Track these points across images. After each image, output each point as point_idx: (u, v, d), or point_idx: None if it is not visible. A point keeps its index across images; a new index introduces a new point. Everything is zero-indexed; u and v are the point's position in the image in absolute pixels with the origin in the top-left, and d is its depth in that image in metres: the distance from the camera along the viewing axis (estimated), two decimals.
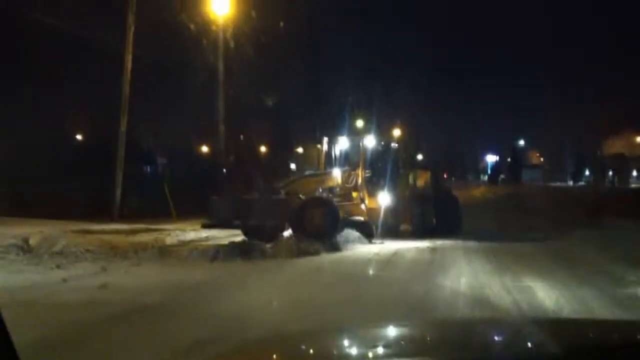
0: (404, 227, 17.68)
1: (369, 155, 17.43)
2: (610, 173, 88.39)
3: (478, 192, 49.15)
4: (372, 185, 16.99)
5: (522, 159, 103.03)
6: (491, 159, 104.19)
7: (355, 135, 18.93)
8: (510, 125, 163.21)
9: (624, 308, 7.54)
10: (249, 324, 6.46)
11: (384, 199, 16.74)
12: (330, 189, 16.70)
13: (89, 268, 10.44)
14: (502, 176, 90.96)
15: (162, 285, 9.06)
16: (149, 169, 40.92)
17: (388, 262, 11.78)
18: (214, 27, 23.26)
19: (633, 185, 63.25)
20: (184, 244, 14.29)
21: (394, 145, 18.66)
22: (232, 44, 24.33)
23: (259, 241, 13.23)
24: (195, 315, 6.99)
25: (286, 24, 27.60)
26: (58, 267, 10.54)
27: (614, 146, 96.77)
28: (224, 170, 26.93)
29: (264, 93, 35.60)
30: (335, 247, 13.60)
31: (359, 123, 38.44)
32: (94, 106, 30.68)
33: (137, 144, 30.55)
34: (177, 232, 16.19)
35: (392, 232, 16.60)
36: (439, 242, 15.04)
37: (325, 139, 18.44)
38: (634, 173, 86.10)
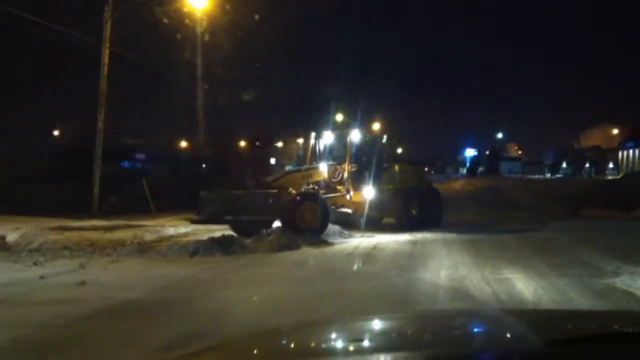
0: (387, 220, 17.86)
1: (354, 149, 17.58)
2: (587, 165, 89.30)
3: (457, 185, 49.31)
4: (357, 179, 17.16)
5: (500, 152, 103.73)
6: (470, 152, 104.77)
7: (341, 129, 18.91)
8: (489, 118, 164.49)
9: (601, 298, 7.62)
10: (230, 319, 6.44)
11: (369, 192, 16.91)
12: (318, 183, 16.75)
13: (67, 265, 10.33)
14: (481, 169, 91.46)
15: (141, 281, 8.99)
16: (127, 166, 40.68)
17: (369, 256, 11.78)
18: (191, 23, 23.15)
19: (609, 177, 63.87)
20: (163, 239, 14.20)
21: (378, 139, 18.80)
22: (210, 40, 24.21)
23: (247, 237, 13.25)
24: (176, 311, 6.95)
25: (267, 19, 27.56)
26: (36, 264, 10.44)
27: (591, 139, 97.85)
28: (204, 165, 26.87)
29: (242, 88, 35.48)
30: (319, 241, 13.63)
31: (341, 118, 38.51)
32: (74, 104, 30.49)
33: (115, 141, 30.33)
34: (157, 227, 16.07)
35: (376, 225, 16.80)
36: (420, 235, 15.14)
37: (313, 134, 18.54)
38: (610, 165, 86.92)
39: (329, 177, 17.00)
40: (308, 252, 12.38)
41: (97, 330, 6.15)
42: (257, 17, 25.60)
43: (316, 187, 16.52)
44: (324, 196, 15.91)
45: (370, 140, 18.43)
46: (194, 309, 7.04)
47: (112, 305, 7.22)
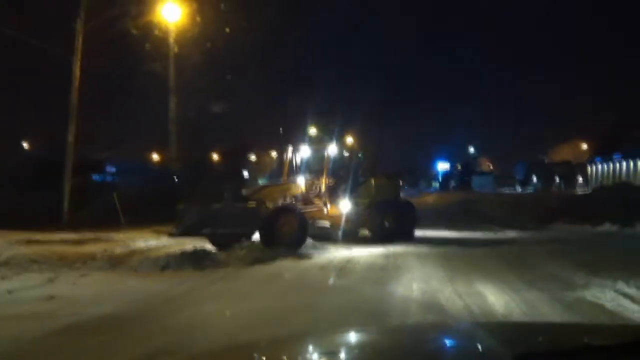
0: (362, 232, 17.91)
1: (331, 163, 17.69)
2: (558, 180, 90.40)
3: (430, 199, 49.72)
4: (334, 193, 17.25)
5: (472, 166, 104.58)
6: (443, 166, 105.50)
7: (317, 143, 18.94)
8: (462, 133, 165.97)
9: (571, 311, 7.69)
10: (202, 334, 6.37)
11: (345, 205, 16.98)
12: (295, 197, 16.78)
13: (35, 279, 10.13)
14: (453, 183, 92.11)
15: (111, 296, 8.87)
16: (98, 178, 40.24)
17: (342, 269, 11.76)
18: (164, 35, 23.06)
19: (579, 191, 64.79)
20: (134, 253, 13.98)
21: (355, 152, 19.10)
22: (182, 52, 24.13)
23: (226, 250, 13.27)
24: (146, 327, 6.85)
25: (239, 32, 27.48)
26: (3, 278, 10.21)
27: (561, 153, 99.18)
28: (176, 178, 26.63)
29: (214, 100, 35.36)
30: (293, 255, 13.56)
31: (315, 131, 38.53)
32: (44, 117, 30.14)
33: (85, 154, 29.98)
34: (127, 241, 15.89)
35: (352, 237, 16.80)
36: (393, 248, 15.14)
37: (290, 148, 18.49)
38: (580, 179, 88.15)
39: (307, 190, 17.07)
40: (281, 266, 12.30)
41: (65, 346, 6.04)
42: (227, 30, 25.51)
43: (294, 201, 16.55)
44: (302, 210, 15.92)
45: (348, 155, 18.67)
46: (165, 324, 6.95)
47: (82, 320, 7.09)
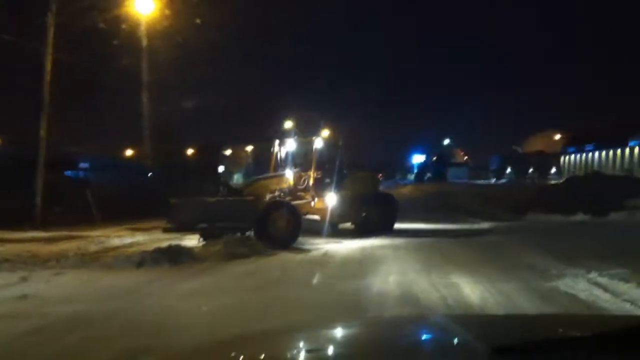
0: (344, 225, 18.11)
1: (318, 156, 17.82)
2: (531, 170, 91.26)
3: (406, 190, 49.89)
4: (320, 186, 17.35)
5: (447, 158, 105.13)
6: (418, 158, 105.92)
7: (304, 137, 19.01)
8: (437, 124, 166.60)
9: (545, 301, 7.77)
10: (178, 331, 6.32)
11: (331, 199, 17.07)
12: (283, 190, 16.82)
13: (7, 278, 9.97)
14: (428, 175, 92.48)
15: (86, 294, 8.78)
16: (71, 175, 39.77)
17: (320, 263, 11.77)
18: (138, 29, 22.84)
19: (552, 182, 65.50)
20: (108, 250, 13.85)
21: (340, 146, 18.99)
22: (156, 46, 23.93)
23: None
24: (121, 324, 6.79)
25: (215, 26, 27.28)
26: None
27: (534, 144, 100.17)
28: (150, 174, 26.44)
29: (189, 96, 35.13)
30: (271, 249, 13.53)
31: (290, 124, 38.55)
32: (13, 113, 29.69)
33: (58, 149, 29.60)
34: (101, 238, 15.76)
35: (334, 230, 17.13)
36: (376, 241, 15.30)
37: (277, 142, 18.64)
38: (553, 169, 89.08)
39: (294, 184, 17.19)
40: (259, 261, 12.27)
41: (39, 346, 5.96)
42: (198, 21, 25.24)
43: (281, 194, 16.56)
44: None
45: (334, 148, 18.68)
46: (141, 321, 6.89)
47: (55, 319, 7.00)
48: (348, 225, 17.96)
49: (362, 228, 17.41)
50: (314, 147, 17.82)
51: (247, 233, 14.74)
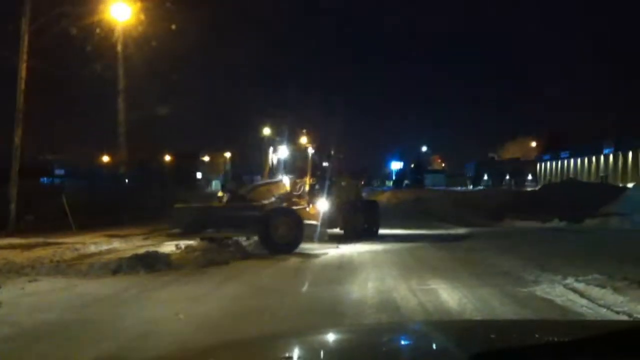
0: (331, 230, 18.06)
1: (312, 164, 18.29)
2: (507, 177, 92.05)
3: (383, 197, 49.98)
4: (313, 193, 17.65)
5: (424, 164, 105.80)
6: (396, 165, 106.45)
7: (297, 144, 20.32)
8: (415, 132, 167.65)
9: (522, 306, 7.82)
10: (154, 339, 6.26)
11: (323, 205, 17.25)
12: (279, 196, 17.12)
13: None
14: (406, 181, 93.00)
15: (60, 301, 8.65)
16: (46, 181, 39.37)
17: (298, 270, 11.76)
18: (113, 35, 22.69)
19: (528, 188, 66.08)
20: (84, 257, 13.71)
21: (331, 154, 19.52)
22: (131, 52, 23.77)
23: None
24: (97, 332, 6.69)
25: (191, 33, 27.18)
26: None
27: (510, 151, 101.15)
28: (127, 180, 26.19)
29: (165, 102, 34.91)
30: (249, 256, 13.53)
31: (269, 131, 38.58)
32: None
33: (33, 156, 29.31)
34: (77, 245, 15.56)
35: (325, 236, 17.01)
36: (360, 247, 15.41)
37: (271, 149, 19.33)
38: (529, 176, 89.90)
39: (290, 190, 17.49)
40: (236, 267, 12.20)
41: (11, 354, 5.87)
42: (173, 26, 25.13)
43: (279, 200, 16.85)
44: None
45: (326, 156, 19.27)
46: (116, 329, 6.80)
47: (28, 327, 6.90)
48: (336, 230, 17.99)
49: (350, 234, 17.57)
50: (309, 154, 18.38)
51: (252, 239, 15.19)
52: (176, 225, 15.81)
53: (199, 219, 15.18)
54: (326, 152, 19.60)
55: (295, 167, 18.53)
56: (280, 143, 19.98)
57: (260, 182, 19.33)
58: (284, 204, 16.60)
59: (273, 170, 18.78)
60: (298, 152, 19.24)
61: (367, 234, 17.69)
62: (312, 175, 17.92)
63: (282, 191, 17.38)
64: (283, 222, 15.12)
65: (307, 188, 17.51)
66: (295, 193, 17.48)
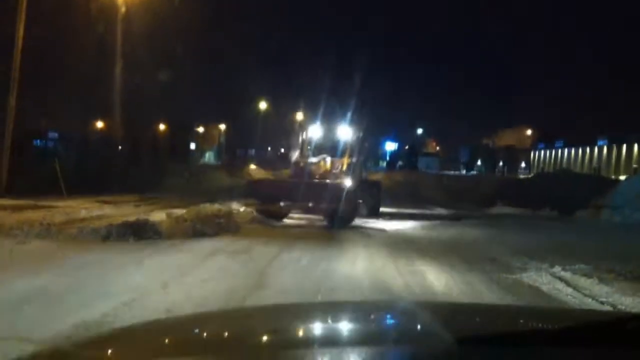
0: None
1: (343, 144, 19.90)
2: (501, 163, 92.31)
3: (375, 178, 50.01)
4: (347, 171, 18.80)
5: (419, 147, 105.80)
6: (390, 146, 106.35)
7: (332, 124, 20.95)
8: (410, 113, 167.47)
9: (509, 292, 7.87)
10: (139, 307, 6.25)
11: (348, 183, 17.79)
12: (322, 174, 18.70)
13: None
14: (399, 163, 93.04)
15: (49, 264, 8.62)
16: (39, 144, 39.17)
17: (287, 244, 11.74)
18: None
19: (521, 176, 66.29)
20: (74, 221, 13.64)
21: (360, 137, 20.57)
22: (130, 18, 23.57)
23: None
24: (83, 297, 6.68)
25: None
26: None
27: (506, 138, 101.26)
28: (120, 147, 26.09)
29: (160, 69, 34.62)
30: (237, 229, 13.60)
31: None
32: None
33: (27, 119, 29.08)
34: (68, 210, 15.52)
35: None
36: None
37: (310, 128, 21.00)
38: (523, 164, 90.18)
39: (330, 169, 18.92)
40: (225, 240, 12.19)
41: None
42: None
43: (332, 177, 18.21)
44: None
45: (356, 136, 20.37)
46: (102, 295, 6.77)
47: (15, 290, 6.87)
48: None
49: (371, 211, 18.28)
50: (349, 136, 19.94)
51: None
52: (253, 196, 17.05)
53: (275, 192, 16.89)
54: (356, 135, 20.49)
55: (327, 147, 19.89)
56: (312, 124, 21.45)
57: (310, 160, 19.87)
58: (337, 181, 17.62)
59: (304, 150, 20.01)
60: (330, 133, 20.49)
61: (373, 212, 18.29)
62: (350, 156, 19.13)
63: (322, 170, 18.65)
64: (348, 198, 16.26)
65: (344, 167, 18.67)
66: (334, 171, 18.68)
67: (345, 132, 20.32)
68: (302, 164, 19.19)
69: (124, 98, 26.43)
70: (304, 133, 20.66)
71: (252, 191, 17.75)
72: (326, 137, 20.51)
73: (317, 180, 17.93)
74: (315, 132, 20.75)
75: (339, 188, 16.68)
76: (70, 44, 27.63)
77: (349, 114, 21.45)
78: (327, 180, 17.71)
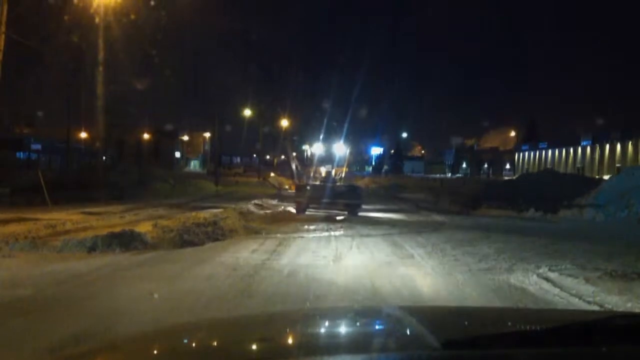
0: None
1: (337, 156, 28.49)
2: (486, 165, 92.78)
3: (362, 182, 50.17)
4: (344, 178, 27.01)
5: (404, 151, 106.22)
6: (376, 150, 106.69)
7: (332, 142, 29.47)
8: (395, 118, 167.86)
9: (496, 294, 7.89)
10: (128, 317, 6.21)
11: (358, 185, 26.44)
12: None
13: None
14: (385, 167, 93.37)
15: (33, 278, 8.52)
16: (22, 156, 38.86)
17: (274, 252, 11.72)
18: (92, 7, 22.35)
19: (506, 177, 66.63)
20: (60, 234, 13.54)
21: (348, 150, 28.27)
22: (109, 25, 23.44)
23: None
24: (70, 310, 6.63)
25: (179, 8, 26.84)
26: None
27: (490, 140, 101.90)
28: (104, 158, 25.96)
29: (140, 77, 34.39)
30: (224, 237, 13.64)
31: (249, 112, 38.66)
32: None
33: (8, 130, 28.90)
34: (53, 221, 15.40)
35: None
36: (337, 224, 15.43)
37: (313, 145, 27.56)
38: (507, 166, 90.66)
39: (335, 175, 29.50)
40: (212, 248, 12.16)
41: None
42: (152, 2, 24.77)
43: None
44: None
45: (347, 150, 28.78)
46: (89, 306, 6.74)
47: (3, 302, 6.82)
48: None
49: (352, 212, 21.89)
50: (347, 150, 27.38)
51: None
52: (303, 197, 22.72)
53: (319, 193, 22.35)
54: (348, 149, 28.66)
55: (325, 159, 27.24)
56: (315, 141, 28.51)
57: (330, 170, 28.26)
58: (352, 183, 26.83)
59: (306, 162, 25.84)
60: (325, 147, 27.99)
61: (353, 213, 21.67)
62: (345, 166, 26.69)
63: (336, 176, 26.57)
64: (359, 195, 23.15)
65: (343, 174, 26.22)
66: (337, 177, 26.87)
67: (339, 148, 27.46)
68: (327, 173, 26.54)
69: (107, 106, 26.27)
70: (309, 149, 27.08)
71: (302, 192, 23.51)
72: (327, 152, 27.66)
73: (339, 184, 25.17)
74: (317, 148, 26.80)
75: (355, 188, 23.97)
76: (49, 53, 27.40)
77: (343, 131, 30.98)
78: (346, 183, 25.97)
